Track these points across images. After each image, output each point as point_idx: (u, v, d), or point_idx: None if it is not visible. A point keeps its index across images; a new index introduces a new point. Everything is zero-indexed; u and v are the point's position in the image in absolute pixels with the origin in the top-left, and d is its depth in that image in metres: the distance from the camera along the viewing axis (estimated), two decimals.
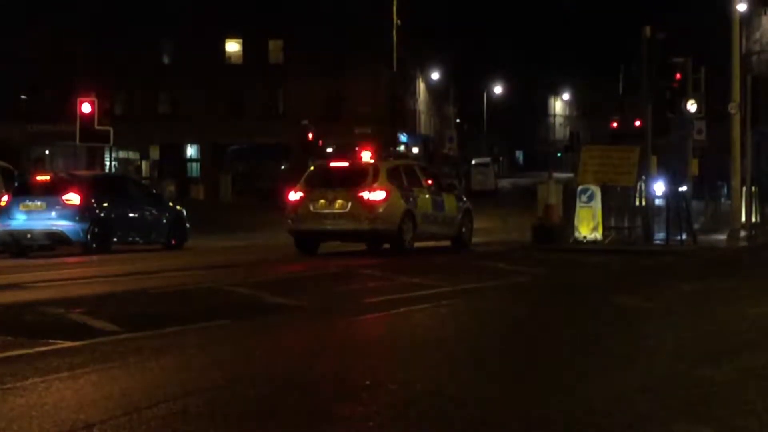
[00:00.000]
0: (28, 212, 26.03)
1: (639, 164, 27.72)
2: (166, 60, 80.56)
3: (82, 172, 32.93)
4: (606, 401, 8.45)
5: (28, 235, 26.08)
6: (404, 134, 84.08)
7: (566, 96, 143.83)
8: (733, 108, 30.96)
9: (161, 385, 9.14)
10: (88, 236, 25.96)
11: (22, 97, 75.88)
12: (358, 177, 24.62)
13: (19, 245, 26.23)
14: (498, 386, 9.17)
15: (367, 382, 9.26)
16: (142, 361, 10.26)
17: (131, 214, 27.48)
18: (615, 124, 52.31)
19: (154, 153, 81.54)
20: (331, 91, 76.86)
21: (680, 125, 32.68)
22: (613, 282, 19.48)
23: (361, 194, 24.25)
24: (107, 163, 68.74)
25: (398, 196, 24.66)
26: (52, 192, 26.32)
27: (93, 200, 26.42)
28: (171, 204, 30.05)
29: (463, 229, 26.85)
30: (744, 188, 31.53)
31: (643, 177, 28.16)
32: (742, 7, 34.82)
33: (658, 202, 28.17)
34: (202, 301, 15.39)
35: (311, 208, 24.49)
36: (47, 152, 74.07)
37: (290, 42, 77.98)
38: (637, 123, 34.46)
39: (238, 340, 11.84)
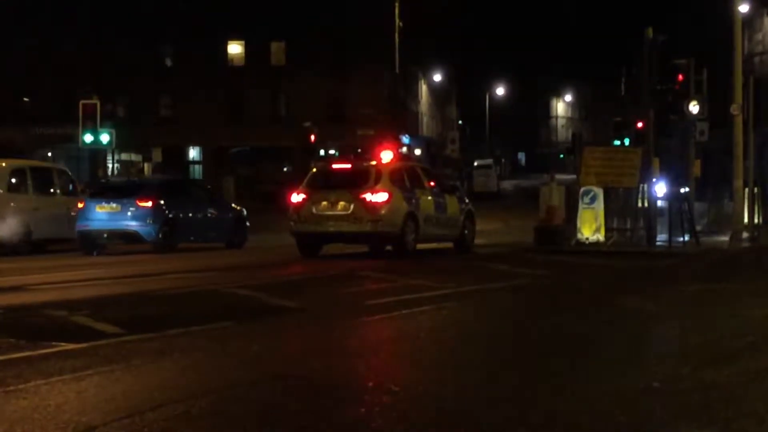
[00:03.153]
0: (104, 213, 27.77)
1: (641, 166, 27.72)
2: (168, 62, 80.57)
3: (153, 177, 35.82)
4: (608, 403, 8.45)
5: (105, 235, 28.00)
6: (406, 136, 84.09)
7: (568, 98, 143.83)
8: (735, 109, 30.96)
9: (164, 388, 9.15)
10: (160, 236, 27.69)
11: (25, 99, 75.94)
12: (361, 179, 24.61)
13: (95, 244, 27.89)
14: (500, 388, 9.17)
15: (370, 384, 9.27)
16: (145, 364, 10.27)
17: (196, 215, 29.17)
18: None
19: (157, 155, 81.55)
20: (333, 93, 76.86)
21: (682, 127, 32.66)
22: (615, 284, 19.48)
23: (363, 196, 24.25)
24: (109, 166, 68.76)
25: (400, 197, 24.66)
26: (126, 195, 28.14)
27: (163, 202, 28.06)
28: (233, 206, 31.58)
29: (466, 231, 26.85)
30: (747, 189, 31.51)
31: (654, 179, 28.12)
32: (744, 9, 34.80)
33: (660, 203, 28.17)
34: (205, 304, 15.40)
35: (313, 210, 24.50)
36: (50, 154, 74.13)
37: (292, 44, 77.99)
38: (639, 125, 34.47)
39: (240, 342, 11.85)
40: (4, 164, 28.82)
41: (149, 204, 27.74)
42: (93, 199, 28.39)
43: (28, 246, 27.65)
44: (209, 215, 29.70)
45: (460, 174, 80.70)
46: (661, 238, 27.88)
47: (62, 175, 30.37)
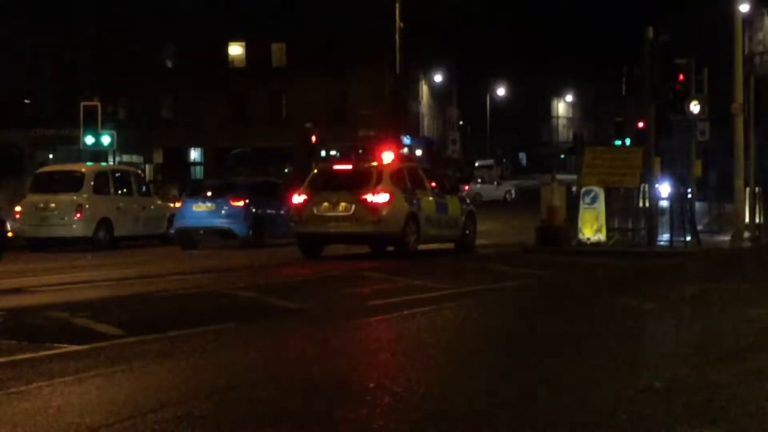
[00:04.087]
0: (201, 212, 30.38)
1: (642, 166, 27.70)
2: (169, 63, 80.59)
3: (243, 179, 37.93)
4: (610, 403, 8.45)
5: (201, 231, 30.70)
6: (407, 137, 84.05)
7: (569, 98, 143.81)
8: (735, 109, 30.93)
9: (166, 389, 9.15)
10: (250, 232, 30.16)
11: (26, 102, 76.00)
12: (362, 180, 24.61)
13: (192, 239, 30.49)
14: (502, 388, 9.17)
15: (372, 385, 9.27)
16: (147, 365, 10.28)
17: (280, 213, 30.60)
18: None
19: (158, 157, 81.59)
20: (334, 94, 76.90)
21: (683, 127, 32.63)
22: (617, 284, 19.48)
23: (364, 197, 24.23)
24: None
25: (402, 198, 24.65)
26: (220, 195, 30.73)
27: (253, 202, 30.49)
28: None
29: (467, 232, 26.85)
30: (748, 189, 31.47)
31: (657, 179, 28.06)
32: (744, 8, 34.80)
33: (662, 203, 28.15)
34: (206, 305, 15.41)
35: (315, 211, 24.50)
36: (51, 157, 74.15)
37: (293, 45, 78.01)
38: (640, 124, 34.46)
39: (242, 343, 11.85)
40: (88, 169, 31.51)
41: (241, 203, 30.23)
42: (190, 199, 31.45)
43: (111, 242, 30.13)
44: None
45: (461, 174, 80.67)
46: (663, 238, 27.87)
47: (137, 178, 33.09)
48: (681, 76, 28.34)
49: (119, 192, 31.10)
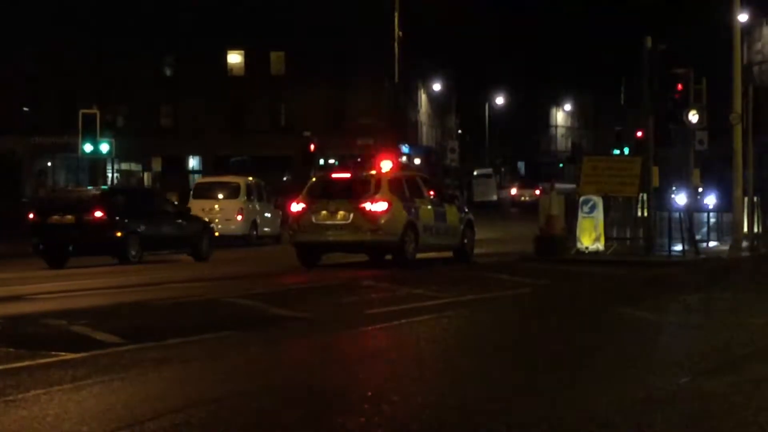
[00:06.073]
0: None
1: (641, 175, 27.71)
2: (167, 72, 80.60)
3: None
4: (608, 413, 8.45)
5: None
6: (406, 145, 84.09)
7: (568, 107, 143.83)
8: (734, 119, 30.95)
9: (163, 397, 9.15)
10: None
11: (25, 109, 76.01)
12: (360, 188, 24.59)
13: None
14: (500, 398, 9.17)
15: (369, 394, 9.26)
16: (145, 373, 10.27)
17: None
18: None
19: (156, 165, 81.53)
20: (333, 103, 76.88)
21: (682, 136, 32.65)
22: (615, 293, 19.47)
23: (363, 205, 24.22)
24: (109, 175, 68.69)
25: (400, 207, 24.64)
26: None
27: None
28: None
29: (465, 240, 26.83)
30: (746, 198, 31.48)
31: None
32: (743, 18, 34.83)
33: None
34: (204, 313, 15.40)
35: (313, 219, 24.48)
36: (49, 164, 74.16)
37: (292, 54, 77.99)
38: (639, 134, 34.46)
39: (240, 351, 11.85)
40: (242, 180, 38.19)
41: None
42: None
43: (257, 239, 36.73)
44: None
45: (459, 183, 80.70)
46: (661, 247, 27.86)
47: (264, 188, 38.70)
48: (680, 86, 28.35)
49: (259, 199, 37.51)
